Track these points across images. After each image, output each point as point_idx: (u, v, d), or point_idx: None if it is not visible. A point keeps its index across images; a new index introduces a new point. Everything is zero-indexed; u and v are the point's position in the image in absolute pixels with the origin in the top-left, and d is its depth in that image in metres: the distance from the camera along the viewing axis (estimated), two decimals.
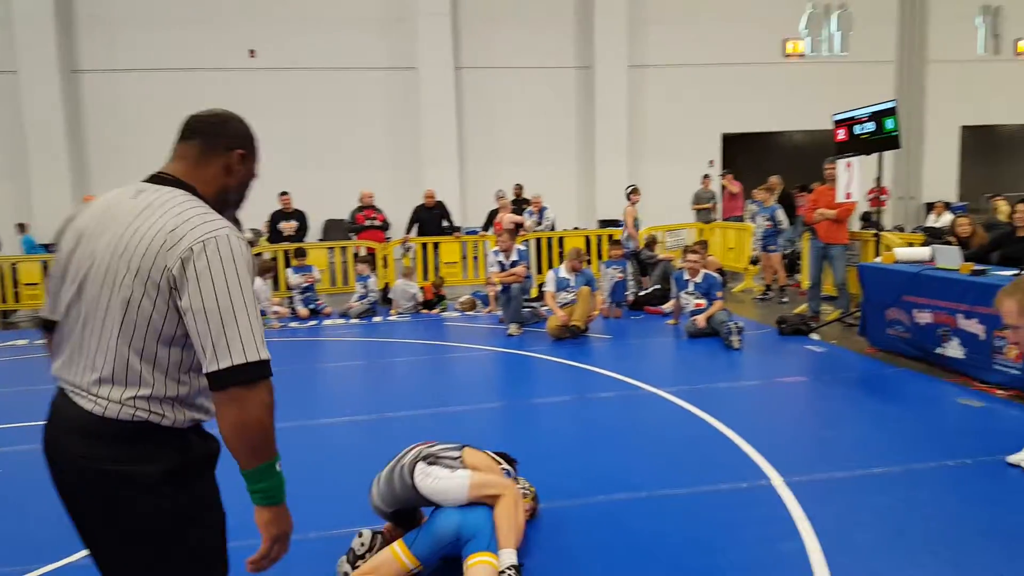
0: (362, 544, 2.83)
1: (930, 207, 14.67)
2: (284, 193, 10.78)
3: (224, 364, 1.41)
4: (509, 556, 2.63)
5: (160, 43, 15.63)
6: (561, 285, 7.65)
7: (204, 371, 1.43)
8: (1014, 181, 19.23)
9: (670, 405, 4.97)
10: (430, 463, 2.86)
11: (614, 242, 9.48)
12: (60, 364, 1.56)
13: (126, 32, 15.56)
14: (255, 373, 1.43)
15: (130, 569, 1.52)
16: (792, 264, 10.82)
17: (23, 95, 14.98)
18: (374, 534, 2.88)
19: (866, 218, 7.78)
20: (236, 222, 1.75)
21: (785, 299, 9.17)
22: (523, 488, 3.19)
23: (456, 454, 2.92)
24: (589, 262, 9.91)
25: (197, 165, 1.62)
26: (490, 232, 10.74)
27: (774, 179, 10.35)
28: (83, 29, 15.52)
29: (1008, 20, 18.03)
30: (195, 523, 1.54)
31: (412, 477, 2.81)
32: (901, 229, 12.75)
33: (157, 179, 1.60)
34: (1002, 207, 12.28)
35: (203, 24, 15.72)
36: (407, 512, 2.96)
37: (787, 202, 11.37)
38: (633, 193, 10.18)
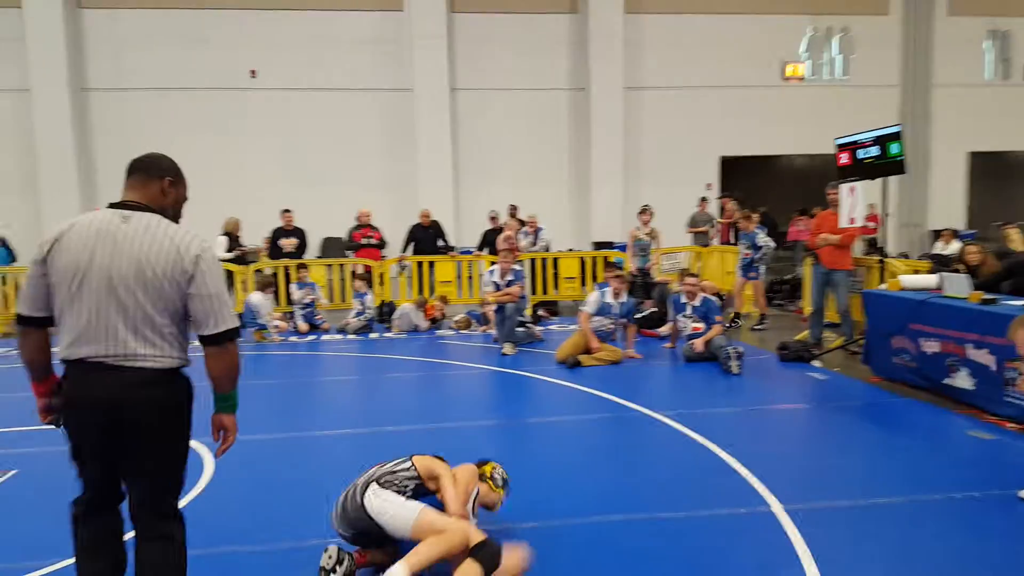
0: (329, 558, 2.79)
1: (937, 234, 14.53)
2: (286, 211, 10.79)
3: (221, 328, 2.24)
4: (400, 570, 2.54)
5: (165, 63, 15.79)
6: (604, 311, 7.30)
7: (204, 334, 2.24)
8: None
9: (667, 428, 4.84)
10: (383, 484, 2.86)
11: (608, 264, 9.41)
12: (82, 346, 2.16)
13: (133, 51, 15.73)
14: (235, 334, 2.30)
15: (156, 461, 2.28)
16: (793, 290, 10.72)
17: (35, 112, 15.14)
18: (340, 551, 2.82)
19: (872, 244, 7.71)
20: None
21: (762, 326, 9.04)
22: (494, 475, 3.18)
23: (407, 464, 2.97)
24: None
25: (145, 193, 2.29)
26: (484, 252, 10.67)
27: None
28: (92, 48, 15.70)
29: (1017, 44, 18.05)
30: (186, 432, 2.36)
31: (362, 498, 2.81)
32: (906, 256, 12.63)
33: (127, 206, 2.25)
34: (1015, 236, 12.11)
35: (206, 45, 15.88)
36: (369, 536, 2.86)
37: (769, 226, 11.36)
38: (642, 213, 10.11)
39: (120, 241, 2.15)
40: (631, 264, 9.92)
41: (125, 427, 2.17)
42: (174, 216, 2.36)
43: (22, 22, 14.95)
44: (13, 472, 4.17)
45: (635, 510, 3.48)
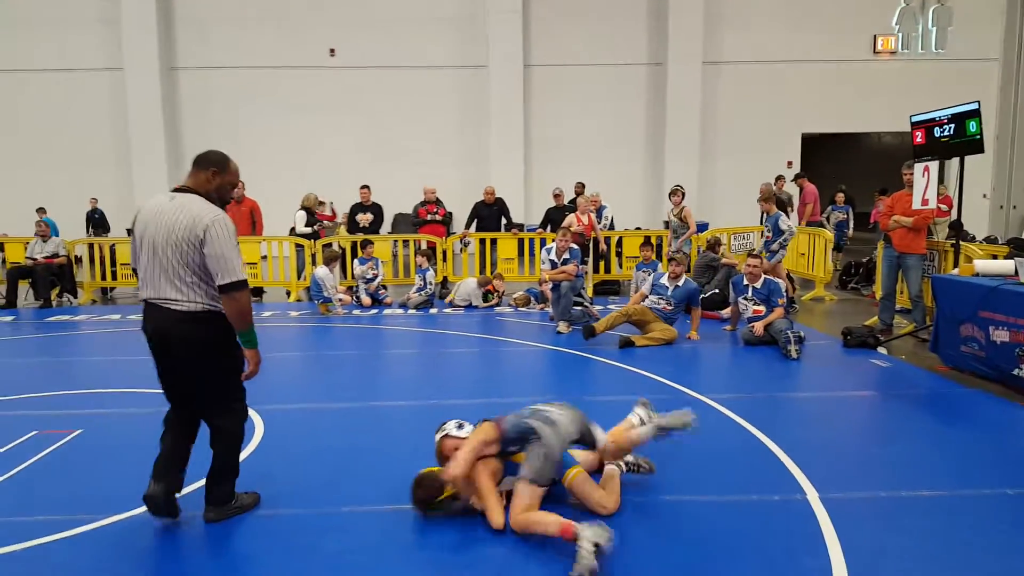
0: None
1: None
2: (364, 187, 11.17)
3: (227, 280, 2.92)
4: None
5: (248, 41, 16.49)
6: (658, 292, 7.28)
7: (217, 284, 2.94)
8: None
9: (714, 412, 4.81)
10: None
11: (646, 243, 9.29)
12: (145, 290, 3.04)
13: (218, 31, 16.50)
14: (240, 285, 2.95)
15: (194, 379, 3.09)
16: (868, 274, 10.29)
17: (128, 91, 16.15)
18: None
19: (956, 227, 7.25)
20: (224, 207, 3.14)
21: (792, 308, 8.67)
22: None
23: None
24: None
25: (195, 180, 3.09)
26: (547, 230, 10.70)
27: (764, 186, 10.04)
28: (181, 28, 16.57)
29: None
30: (229, 354, 3.12)
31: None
32: (995, 240, 11.84)
33: (179, 190, 3.06)
34: None
35: (287, 23, 16.46)
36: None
37: (781, 206, 10.95)
38: (673, 195, 9.95)
39: (163, 215, 2.95)
40: (669, 247, 9.77)
41: (171, 351, 3.01)
42: (219, 198, 3.10)
43: (118, 5, 15.91)
44: (78, 432, 4.44)
45: (663, 491, 3.51)
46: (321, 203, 11.97)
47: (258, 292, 10.60)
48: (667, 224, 10.16)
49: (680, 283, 7.26)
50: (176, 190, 3.05)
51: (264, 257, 10.66)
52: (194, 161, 3.11)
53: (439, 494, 3.18)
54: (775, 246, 8.74)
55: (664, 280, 7.32)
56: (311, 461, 3.99)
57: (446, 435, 3.41)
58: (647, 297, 7.32)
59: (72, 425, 4.57)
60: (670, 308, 7.18)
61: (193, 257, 2.91)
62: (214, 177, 3.09)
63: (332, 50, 16.66)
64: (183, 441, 3.20)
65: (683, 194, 10.13)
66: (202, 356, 3.01)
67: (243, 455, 3.94)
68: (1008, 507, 3.31)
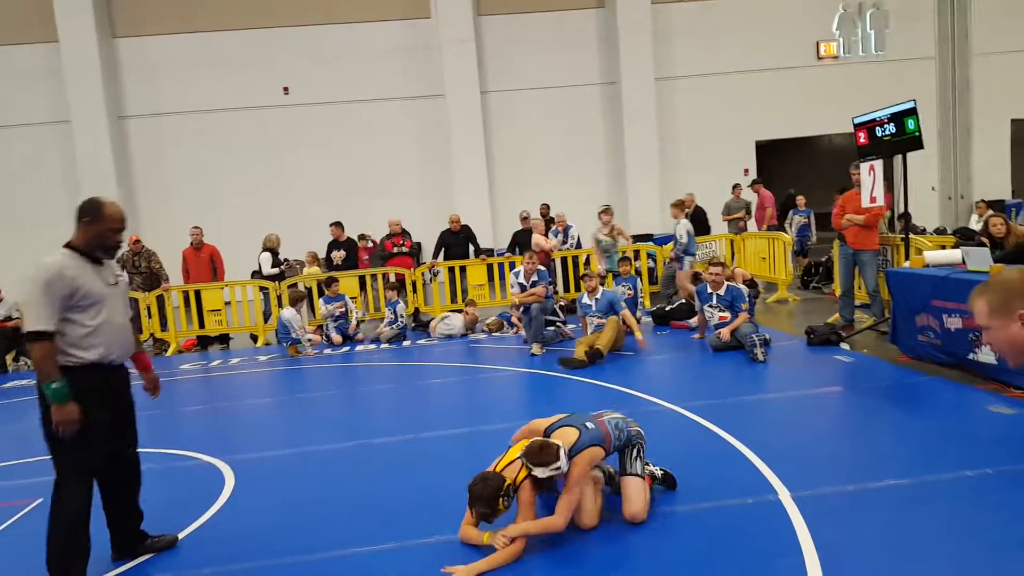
0: None
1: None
2: (336, 223, 11.18)
3: (26, 329, 2.97)
4: None
5: (199, 85, 16.40)
6: (585, 311, 7.61)
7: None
8: None
9: (686, 421, 4.90)
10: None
11: (622, 259, 9.44)
12: None
13: (167, 77, 16.37)
14: (31, 337, 2.94)
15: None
16: (828, 272, 10.55)
17: (76, 143, 15.89)
18: None
19: (905, 219, 7.57)
20: (113, 257, 3.28)
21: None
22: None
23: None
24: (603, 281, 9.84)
25: (75, 234, 3.15)
26: (515, 253, 10.80)
27: (687, 196, 10.44)
28: (127, 76, 16.39)
29: None
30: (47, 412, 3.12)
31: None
32: (944, 231, 12.25)
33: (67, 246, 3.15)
34: None
35: (238, 65, 16.41)
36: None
37: (699, 217, 11.65)
38: (603, 213, 10.03)
39: None
40: (599, 267, 9.76)
41: None
42: (101, 246, 3.16)
43: (59, 55, 15.71)
44: (39, 501, 4.23)
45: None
46: (363, 237, 11.94)
47: (224, 339, 10.47)
48: (599, 243, 9.92)
49: (599, 296, 7.47)
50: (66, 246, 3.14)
51: (228, 303, 10.55)
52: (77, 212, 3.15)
53: (501, 491, 3.15)
54: (672, 253, 9.05)
55: (585, 299, 7.56)
56: (284, 511, 3.91)
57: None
58: (586, 318, 7.58)
59: (31, 495, 4.37)
60: (603, 320, 7.32)
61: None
62: (89, 227, 3.10)
63: (286, 88, 16.69)
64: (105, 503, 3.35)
65: (612, 212, 10.22)
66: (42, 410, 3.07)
67: (211, 511, 3.90)
68: (968, 489, 3.43)
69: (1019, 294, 1.63)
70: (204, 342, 10.35)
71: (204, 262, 10.45)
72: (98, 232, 3.11)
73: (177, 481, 4.52)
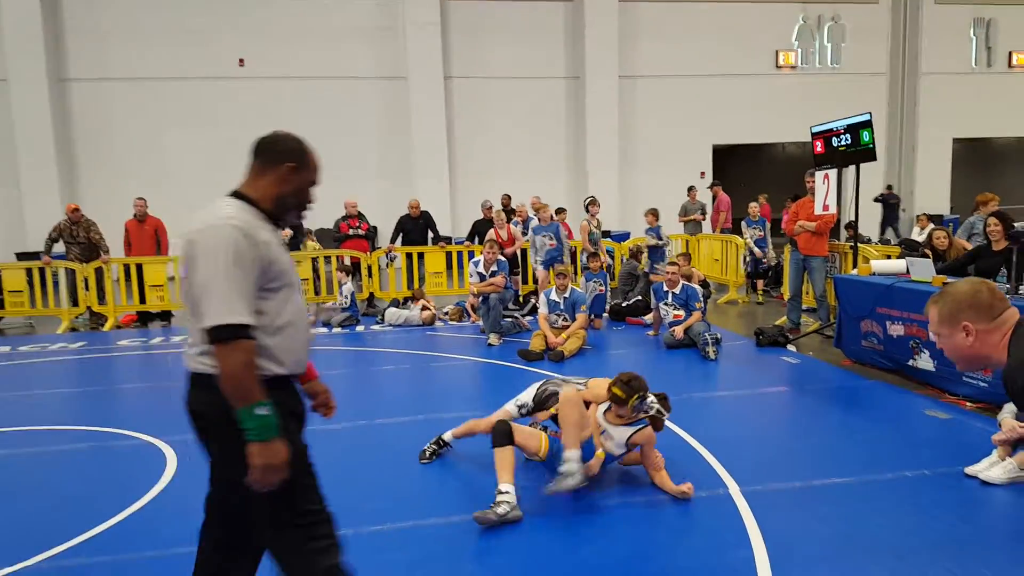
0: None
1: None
2: None
3: (206, 324, 1.80)
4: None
5: (149, 53, 15.74)
6: (553, 308, 7.39)
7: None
8: (1006, 194, 19.27)
9: None
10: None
11: (592, 255, 9.48)
12: None
13: (115, 42, 15.66)
14: (224, 332, 1.79)
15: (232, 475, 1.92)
16: (777, 276, 10.83)
17: (12, 104, 15.07)
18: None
19: (854, 228, 7.86)
20: (299, 225, 2.38)
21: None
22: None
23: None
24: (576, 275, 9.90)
25: (255, 179, 2.03)
26: (475, 243, 10.74)
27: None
28: (72, 39, 15.61)
29: (1001, 33, 18.16)
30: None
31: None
32: (888, 242, 12.74)
33: (232, 194, 2.01)
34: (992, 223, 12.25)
35: (191, 34, 15.82)
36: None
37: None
38: (591, 205, 10.18)
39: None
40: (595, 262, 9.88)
41: (199, 437, 2.00)
42: (296, 206, 2.10)
43: (0, 11, 14.88)
44: None
45: (593, 498, 3.57)
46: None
47: (166, 316, 10.09)
48: (590, 236, 10.10)
49: (567, 294, 7.38)
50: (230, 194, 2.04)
51: (172, 279, 10.18)
52: (252, 149, 2.06)
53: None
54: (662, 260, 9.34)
55: (553, 295, 7.42)
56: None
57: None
58: (548, 315, 7.37)
59: None
60: (568, 322, 7.32)
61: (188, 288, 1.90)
62: (290, 177, 2.05)
63: (241, 60, 16.16)
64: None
65: (599, 204, 10.36)
66: (223, 443, 1.92)
67: (152, 493, 3.74)
68: (908, 488, 3.58)
69: (966, 306, 1.73)
70: (144, 318, 9.96)
71: (148, 235, 10.04)
72: (299, 185, 2.07)
73: (116, 460, 4.34)
